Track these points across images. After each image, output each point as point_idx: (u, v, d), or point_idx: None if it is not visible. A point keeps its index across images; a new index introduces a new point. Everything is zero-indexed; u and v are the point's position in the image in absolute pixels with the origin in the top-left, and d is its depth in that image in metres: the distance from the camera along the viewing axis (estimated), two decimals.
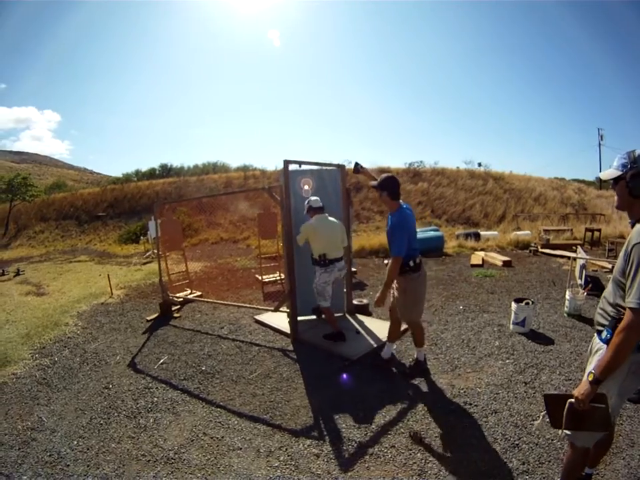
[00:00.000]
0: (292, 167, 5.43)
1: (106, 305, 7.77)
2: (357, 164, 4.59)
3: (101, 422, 3.80)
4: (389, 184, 3.76)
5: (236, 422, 3.64)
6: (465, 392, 3.84)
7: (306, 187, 5.65)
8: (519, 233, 13.48)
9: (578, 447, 2.23)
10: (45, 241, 21.58)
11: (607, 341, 1.99)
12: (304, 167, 5.63)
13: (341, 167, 5.99)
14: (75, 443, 3.52)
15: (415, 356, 4.32)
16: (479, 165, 23.62)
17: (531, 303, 5.28)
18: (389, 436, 3.31)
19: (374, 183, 3.91)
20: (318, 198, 5.06)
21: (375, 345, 4.97)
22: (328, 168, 6.08)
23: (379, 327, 5.46)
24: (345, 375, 4.32)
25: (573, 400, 2.02)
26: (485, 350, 4.78)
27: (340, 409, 3.73)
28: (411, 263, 3.78)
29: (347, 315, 5.88)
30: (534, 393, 3.78)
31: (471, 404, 3.64)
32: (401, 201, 3.87)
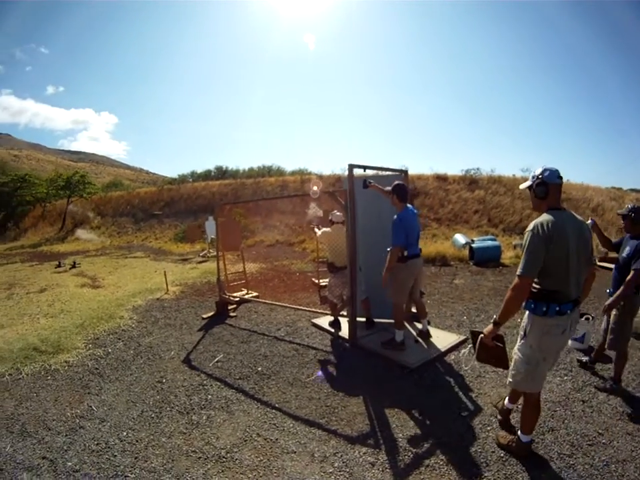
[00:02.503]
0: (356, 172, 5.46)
1: (161, 301, 7.99)
2: (365, 180, 5.22)
3: (152, 415, 3.85)
4: (398, 189, 4.84)
5: (291, 425, 3.60)
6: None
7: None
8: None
9: (522, 392, 3.06)
10: (101, 236, 22.58)
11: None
12: (368, 171, 5.67)
13: (404, 172, 6.10)
14: (124, 434, 3.58)
15: (394, 336, 5.01)
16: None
17: (590, 318, 5.15)
18: (445, 449, 3.21)
19: (388, 188, 4.93)
20: (341, 214, 5.61)
21: (434, 354, 4.90)
22: (392, 173, 6.16)
23: (438, 335, 5.41)
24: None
25: (482, 335, 2.87)
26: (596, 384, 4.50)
27: (397, 418, 3.68)
28: (404, 253, 4.67)
29: (405, 323, 5.72)
30: (591, 412, 3.67)
31: None
32: (408, 205, 4.93)
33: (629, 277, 3.73)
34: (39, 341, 5.78)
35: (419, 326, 5.44)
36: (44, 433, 3.69)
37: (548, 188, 2.74)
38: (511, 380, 3.01)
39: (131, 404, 4.08)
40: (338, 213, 5.78)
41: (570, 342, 5.09)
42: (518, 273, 2.62)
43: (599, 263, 4.39)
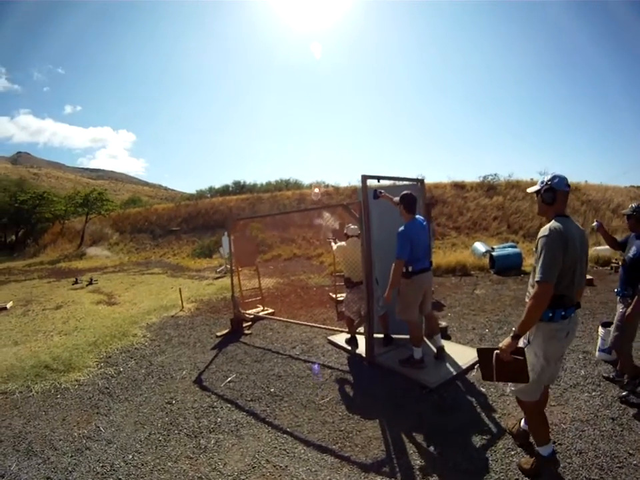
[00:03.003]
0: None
1: (176, 318, 7.94)
2: (375, 190, 5.12)
3: (160, 438, 3.76)
4: (405, 199, 4.65)
5: (302, 451, 3.45)
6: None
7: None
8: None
9: (524, 401, 3.00)
10: (120, 253, 22.84)
11: None
12: (382, 182, 5.60)
13: (420, 181, 5.89)
14: (131, 457, 3.50)
15: (412, 353, 4.83)
16: None
17: None
18: (466, 477, 3.04)
19: (396, 198, 4.76)
20: (356, 227, 5.43)
21: (455, 372, 4.69)
22: (407, 183, 6.00)
23: (459, 352, 5.19)
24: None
25: (498, 351, 2.70)
26: (570, 380, 4.47)
27: (416, 443, 3.49)
28: (409, 269, 4.52)
29: (425, 339, 5.55)
30: (621, 431, 3.47)
31: (555, 442, 3.30)
32: (417, 215, 4.79)
33: None
34: (50, 358, 5.78)
35: (439, 341, 5.23)
36: (50, 452, 3.65)
37: (556, 195, 2.80)
38: (514, 388, 3.02)
39: (139, 425, 4.00)
40: (353, 226, 5.63)
41: (597, 353, 5.00)
42: (537, 279, 2.59)
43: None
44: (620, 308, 4.00)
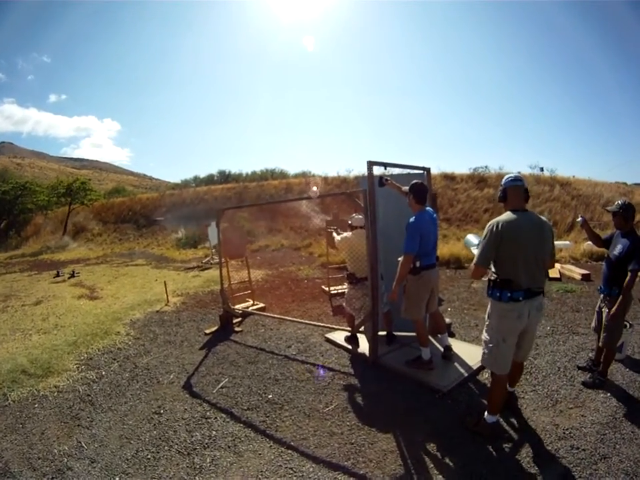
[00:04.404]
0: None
1: (161, 314, 7.49)
2: (381, 177, 4.88)
3: (149, 456, 3.35)
4: (416, 189, 4.34)
5: (311, 469, 3.08)
6: (570, 433, 3.37)
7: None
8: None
9: (495, 373, 3.30)
10: (103, 244, 22.29)
11: None
12: (388, 169, 5.32)
13: (427, 170, 5.54)
14: (117, 479, 3.09)
15: (420, 354, 4.52)
16: (542, 169, 22.20)
17: (628, 325, 4.60)
18: None
19: (406, 188, 4.47)
20: (362, 217, 5.01)
21: (467, 374, 4.38)
22: (412, 171, 5.67)
23: (466, 351, 4.89)
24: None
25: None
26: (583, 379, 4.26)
27: (434, 455, 3.19)
28: (416, 264, 4.22)
29: (430, 338, 5.20)
30: None
31: (577, 448, 3.17)
32: (427, 207, 4.48)
33: (626, 281, 3.72)
34: (28, 362, 5.32)
35: (446, 340, 4.90)
36: (28, 473, 3.25)
37: (506, 192, 3.21)
38: (481, 359, 3.40)
39: (124, 440, 3.58)
40: (359, 216, 5.19)
41: None
42: (474, 261, 3.15)
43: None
44: (606, 308, 4.00)
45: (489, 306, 3.25)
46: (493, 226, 3.04)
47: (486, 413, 3.33)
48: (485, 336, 3.29)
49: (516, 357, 3.32)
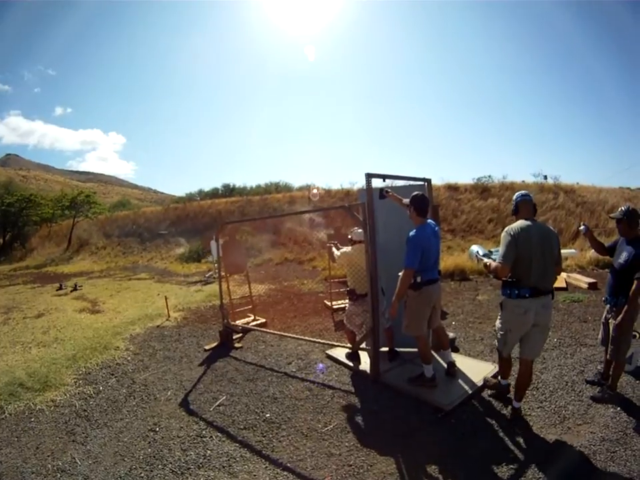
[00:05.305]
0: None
1: (162, 329, 7.44)
2: (381, 190, 4.82)
3: (142, 474, 3.29)
4: (416, 201, 4.25)
5: None
6: (579, 451, 3.26)
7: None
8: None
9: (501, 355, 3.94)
10: (107, 257, 22.30)
11: None
12: (388, 181, 5.13)
13: (427, 182, 5.44)
14: None
15: (423, 371, 4.39)
16: (545, 177, 22.17)
17: (637, 335, 4.41)
18: None
19: (406, 200, 4.39)
20: (362, 231, 4.82)
21: (471, 391, 4.25)
22: (413, 183, 5.54)
23: (470, 367, 4.77)
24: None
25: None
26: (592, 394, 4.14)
27: (435, 478, 3.08)
28: (417, 279, 4.11)
29: (433, 353, 5.11)
30: None
31: (587, 468, 3.08)
32: (429, 220, 4.38)
33: (632, 289, 3.60)
34: (26, 375, 5.31)
35: (450, 356, 4.78)
36: None
37: (518, 206, 3.72)
38: (496, 344, 3.97)
39: (118, 457, 3.53)
40: (359, 230, 5.05)
41: None
42: (498, 260, 3.48)
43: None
44: (611, 319, 3.91)
45: (501, 300, 3.69)
46: (511, 230, 3.46)
47: (514, 401, 3.81)
48: (497, 324, 3.80)
49: (523, 353, 3.69)
